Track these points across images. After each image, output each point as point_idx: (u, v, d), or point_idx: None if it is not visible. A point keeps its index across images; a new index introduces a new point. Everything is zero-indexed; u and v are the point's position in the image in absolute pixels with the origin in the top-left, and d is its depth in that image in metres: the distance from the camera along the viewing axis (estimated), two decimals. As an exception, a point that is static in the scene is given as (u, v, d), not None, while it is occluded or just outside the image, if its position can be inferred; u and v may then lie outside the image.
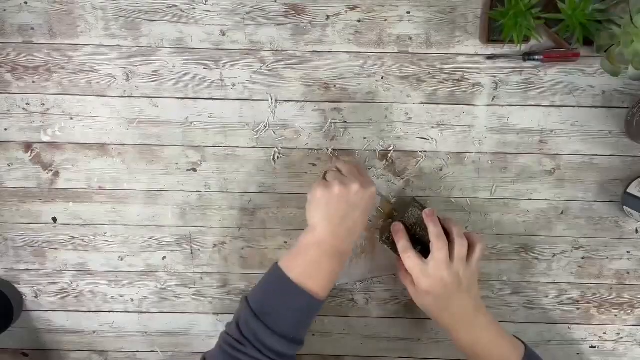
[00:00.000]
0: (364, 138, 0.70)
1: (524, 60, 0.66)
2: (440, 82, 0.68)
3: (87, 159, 0.71)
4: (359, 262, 0.72)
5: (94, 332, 0.76)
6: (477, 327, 0.63)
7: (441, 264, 0.61)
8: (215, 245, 0.73)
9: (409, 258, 0.63)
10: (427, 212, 0.65)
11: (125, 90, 0.69)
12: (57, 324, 0.76)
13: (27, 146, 0.70)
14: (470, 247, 0.63)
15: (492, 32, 0.64)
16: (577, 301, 0.74)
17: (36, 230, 0.73)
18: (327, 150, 0.70)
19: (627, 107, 0.68)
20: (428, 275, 0.62)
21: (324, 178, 0.64)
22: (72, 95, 0.69)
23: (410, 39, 0.67)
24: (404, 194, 0.71)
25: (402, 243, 0.64)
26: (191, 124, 0.69)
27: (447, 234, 0.63)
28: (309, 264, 0.59)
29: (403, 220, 0.67)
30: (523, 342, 0.66)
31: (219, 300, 0.75)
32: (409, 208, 0.67)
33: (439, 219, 0.64)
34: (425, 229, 0.64)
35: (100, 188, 0.71)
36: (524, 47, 0.66)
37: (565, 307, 0.74)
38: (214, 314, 0.75)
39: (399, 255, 0.65)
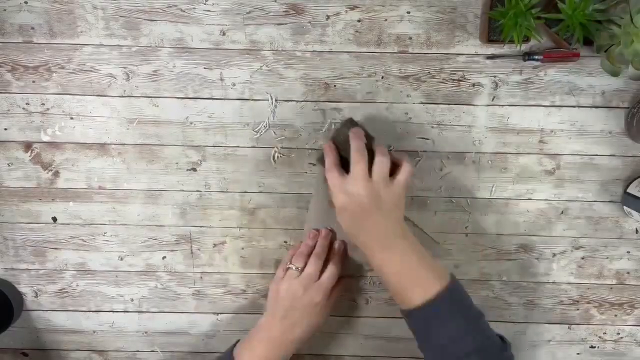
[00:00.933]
0: (364, 138, 0.70)
1: (524, 60, 0.66)
2: (440, 82, 0.68)
3: (87, 159, 0.71)
4: (354, 256, 0.72)
5: (94, 331, 0.76)
6: (393, 250, 0.59)
7: (358, 180, 0.58)
8: (215, 245, 0.73)
9: (331, 175, 0.60)
10: (353, 130, 0.62)
11: (125, 90, 0.69)
12: (57, 324, 0.76)
13: (27, 146, 0.71)
14: (397, 168, 0.60)
15: (492, 32, 0.64)
16: (577, 301, 0.74)
17: (36, 230, 0.73)
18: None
19: (627, 107, 0.68)
20: (345, 191, 0.59)
21: (290, 262, 0.66)
22: (72, 95, 0.69)
23: (410, 38, 0.67)
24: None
25: (329, 160, 0.62)
26: (191, 123, 0.69)
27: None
28: (247, 343, 0.65)
29: (334, 140, 0.64)
30: (453, 276, 0.60)
31: (219, 300, 0.75)
32: (341, 128, 0.65)
33: (370, 141, 0.62)
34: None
35: (100, 188, 0.72)
36: (524, 47, 0.66)
37: (565, 307, 0.74)
38: (214, 313, 0.75)
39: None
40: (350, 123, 0.65)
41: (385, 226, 0.59)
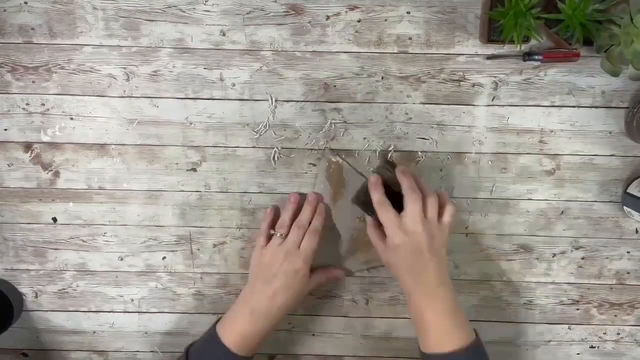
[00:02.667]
0: (364, 138, 0.70)
1: (524, 60, 0.66)
2: (440, 82, 0.68)
3: (87, 159, 0.71)
4: (354, 255, 0.72)
5: (94, 332, 0.76)
6: (436, 297, 0.60)
7: (416, 218, 0.59)
8: (215, 245, 0.73)
9: (386, 211, 0.60)
10: (400, 169, 0.63)
11: (125, 90, 0.69)
12: (57, 324, 0.76)
13: (27, 146, 0.71)
14: (441, 209, 0.61)
15: (492, 32, 0.64)
16: (577, 301, 0.74)
17: (36, 230, 0.73)
18: (324, 148, 0.70)
19: (627, 107, 0.68)
20: (402, 229, 0.59)
21: (273, 229, 0.67)
22: (72, 96, 0.69)
23: (410, 39, 0.67)
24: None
25: (378, 196, 0.62)
26: (191, 124, 0.69)
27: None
28: (228, 318, 0.65)
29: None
30: (477, 336, 0.61)
31: (219, 301, 0.75)
32: (380, 167, 0.65)
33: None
34: (396, 189, 0.62)
35: (100, 188, 0.72)
36: (524, 47, 0.66)
37: (565, 307, 0.74)
38: (214, 314, 0.75)
39: (369, 213, 0.64)
40: (390, 164, 0.66)
41: (433, 270, 0.60)
